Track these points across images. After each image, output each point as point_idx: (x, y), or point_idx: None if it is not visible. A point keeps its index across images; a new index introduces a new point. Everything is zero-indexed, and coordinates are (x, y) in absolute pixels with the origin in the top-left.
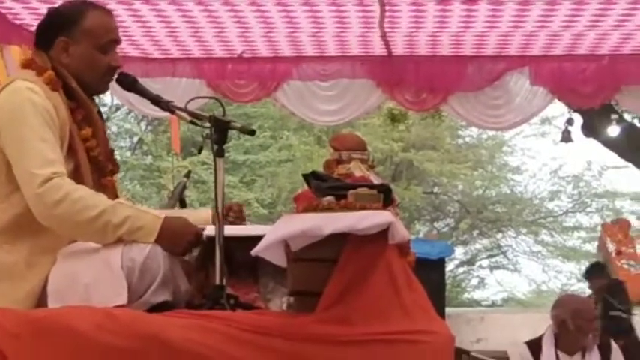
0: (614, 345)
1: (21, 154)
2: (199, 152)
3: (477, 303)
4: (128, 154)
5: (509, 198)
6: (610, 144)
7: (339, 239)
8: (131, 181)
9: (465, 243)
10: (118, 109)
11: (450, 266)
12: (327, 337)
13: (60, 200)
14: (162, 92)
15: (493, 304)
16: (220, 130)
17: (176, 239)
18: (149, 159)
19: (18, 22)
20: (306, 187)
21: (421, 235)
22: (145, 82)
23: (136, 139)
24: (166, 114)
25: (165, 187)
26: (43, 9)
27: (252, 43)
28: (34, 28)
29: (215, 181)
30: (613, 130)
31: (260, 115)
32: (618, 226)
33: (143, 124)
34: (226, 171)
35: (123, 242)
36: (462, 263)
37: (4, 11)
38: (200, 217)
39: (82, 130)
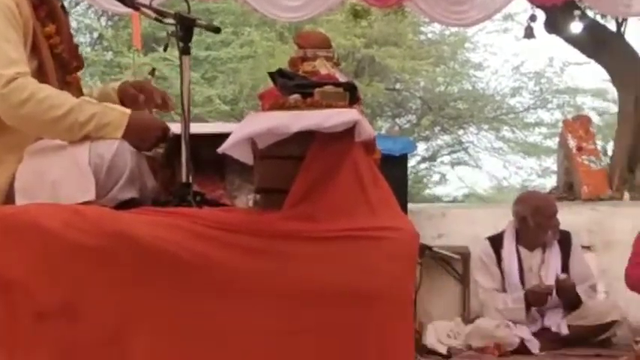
0: (574, 240)
1: None
2: (165, 50)
3: (438, 199)
4: (88, 49)
5: (471, 94)
6: (572, 40)
7: (306, 137)
8: (92, 77)
9: (426, 139)
10: (77, 4)
11: (411, 162)
12: (294, 234)
13: (25, 100)
14: None
15: (454, 200)
16: (185, 28)
17: (143, 134)
18: (109, 55)
19: None
20: (270, 84)
21: (383, 132)
22: None
23: (96, 35)
24: (128, 10)
25: None
26: None
27: None
28: None
29: (181, 79)
30: (576, 27)
31: (221, 10)
32: (579, 122)
33: (103, 20)
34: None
35: (90, 139)
36: (423, 159)
37: None
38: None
39: (45, 27)
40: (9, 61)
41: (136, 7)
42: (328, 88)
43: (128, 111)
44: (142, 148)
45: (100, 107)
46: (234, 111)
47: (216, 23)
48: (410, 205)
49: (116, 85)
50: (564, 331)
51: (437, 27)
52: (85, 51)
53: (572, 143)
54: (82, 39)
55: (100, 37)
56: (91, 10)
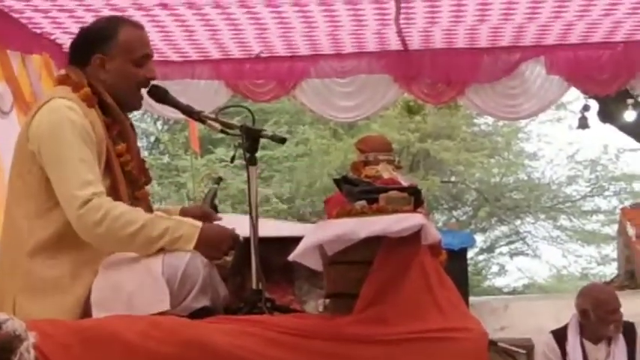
0: (638, 331)
1: (61, 174)
2: (232, 161)
3: (498, 290)
4: (145, 153)
5: (527, 184)
6: (626, 128)
7: (374, 242)
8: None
9: (483, 230)
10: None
11: (469, 254)
12: (365, 338)
13: (101, 220)
14: (181, 94)
15: (514, 291)
16: (251, 139)
17: (215, 245)
18: (166, 158)
19: (38, 30)
20: (326, 184)
21: (440, 224)
22: (164, 84)
23: (152, 139)
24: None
25: (184, 186)
26: (63, 18)
27: (269, 43)
28: (54, 37)
29: (249, 189)
30: (629, 115)
31: (275, 110)
32: (637, 210)
33: (159, 124)
34: (242, 167)
35: (164, 250)
36: (481, 251)
37: (24, 21)
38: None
39: (116, 145)
40: (84, 182)
41: (202, 121)
42: (393, 193)
43: (199, 224)
44: (214, 258)
45: (172, 222)
46: (291, 209)
47: (270, 122)
48: (471, 299)
49: (177, 210)
50: None
51: (490, 118)
52: (143, 155)
53: (631, 231)
54: (139, 144)
55: (157, 140)
56: (146, 115)
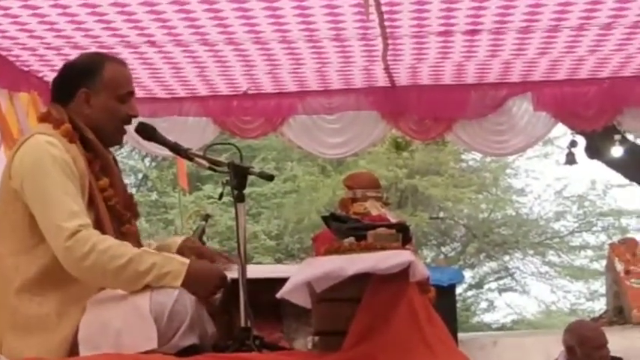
0: None
1: (46, 207)
2: (220, 198)
3: (487, 326)
4: (133, 190)
5: (515, 220)
6: (614, 164)
7: (362, 279)
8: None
9: (472, 266)
10: (121, 146)
11: (458, 290)
12: None
13: (88, 252)
14: (169, 131)
15: (503, 327)
16: (239, 176)
17: (202, 283)
18: (154, 195)
19: (26, 68)
20: (314, 221)
21: (428, 260)
22: (152, 121)
23: (140, 176)
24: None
25: (172, 223)
26: (50, 55)
27: (257, 80)
28: (41, 74)
29: (237, 226)
30: (617, 151)
31: (263, 146)
32: (626, 246)
33: (147, 161)
34: (230, 204)
35: (151, 287)
36: (470, 287)
37: (12, 59)
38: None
39: (99, 180)
40: (71, 214)
41: (190, 158)
42: (381, 230)
43: (187, 260)
44: (201, 295)
45: (160, 257)
46: (279, 246)
47: (258, 159)
48: (460, 335)
49: (178, 241)
50: None
51: (478, 154)
52: (130, 192)
53: (619, 267)
54: (126, 180)
55: (145, 177)
56: (134, 152)
